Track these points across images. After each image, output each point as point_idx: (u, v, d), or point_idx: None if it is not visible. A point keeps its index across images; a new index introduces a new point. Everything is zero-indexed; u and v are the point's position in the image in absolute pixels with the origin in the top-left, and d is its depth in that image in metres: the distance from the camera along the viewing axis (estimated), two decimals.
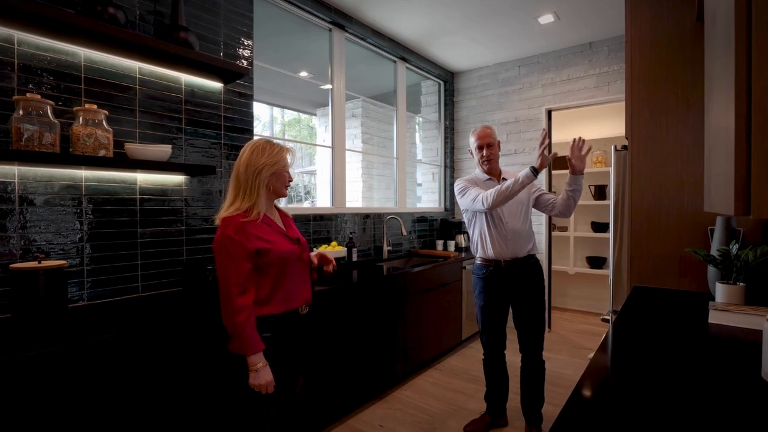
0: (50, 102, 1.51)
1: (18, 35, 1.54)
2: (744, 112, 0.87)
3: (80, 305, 1.68)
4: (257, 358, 1.32)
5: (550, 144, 2.19)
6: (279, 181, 1.43)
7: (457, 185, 2.16)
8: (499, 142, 2.17)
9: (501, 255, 2.10)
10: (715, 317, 1.40)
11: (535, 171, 1.85)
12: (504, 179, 2.15)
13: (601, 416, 0.84)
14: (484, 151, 2.11)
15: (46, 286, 1.42)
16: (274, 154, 1.40)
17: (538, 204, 2.18)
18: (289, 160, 1.45)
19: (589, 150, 1.99)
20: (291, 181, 1.48)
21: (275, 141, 1.46)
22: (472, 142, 2.16)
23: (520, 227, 2.10)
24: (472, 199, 2.04)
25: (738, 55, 0.85)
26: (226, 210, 1.37)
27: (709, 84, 1.28)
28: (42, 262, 1.44)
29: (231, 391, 1.62)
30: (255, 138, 2.05)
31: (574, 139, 1.97)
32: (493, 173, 2.17)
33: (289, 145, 1.51)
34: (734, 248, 1.60)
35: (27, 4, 1.39)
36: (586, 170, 4.61)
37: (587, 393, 0.94)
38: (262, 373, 1.32)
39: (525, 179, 1.86)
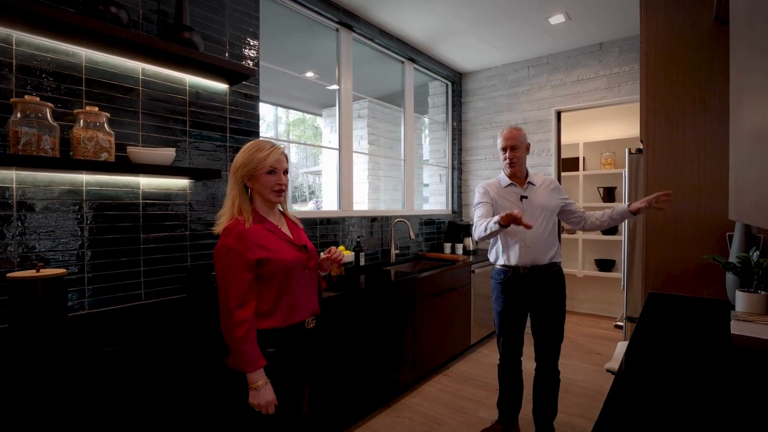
0: (49, 104, 1.46)
1: (17, 35, 1.49)
2: None
3: (81, 314, 1.63)
4: (257, 375, 1.24)
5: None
6: (259, 184, 1.32)
7: (476, 193, 2.16)
8: (528, 144, 2.12)
9: (520, 262, 2.04)
10: (737, 328, 1.35)
11: (500, 225, 1.80)
12: (530, 183, 2.10)
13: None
14: (507, 153, 2.07)
15: (44, 295, 1.37)
16: (249, 154, 1.31)
17: (564, 214, 2.13)
18: (269, 162, 1.30)
19: (663, 206, 1.86)
20: (280, 185, 1.34)
21: (271, 142, 1.38)
22: (498, 142, 2.13)
23: (541, 234, 2.02)
24: (475, 219, 2.07)
25: None
26: (223, 218, 1.32)
27: (739, 86, 1.21)
28: (41, 270, 1.40)
29: (234, 409, 1.57)
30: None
31: (667, 193, 1.82)
32: (517, 176, 2.12)
33: (283, 145, 1.42)
34: (755, 255, 1.56)
35: (26, 3, 1.34)
36: (595, 172, 4.54)
37: (618, 411, 0.89)
38: (262, 392, 1.24)
39: (493, 228, 1.84)
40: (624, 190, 2.79)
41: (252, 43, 2.28)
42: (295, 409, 1.45)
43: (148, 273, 1.86)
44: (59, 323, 1.41)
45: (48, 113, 1.44)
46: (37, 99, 1.41)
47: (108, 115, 1.61)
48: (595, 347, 3.57)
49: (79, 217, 1.65)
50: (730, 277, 1.78)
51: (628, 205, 1.92)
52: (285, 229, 1.42)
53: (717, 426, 0.81)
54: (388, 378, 2.53)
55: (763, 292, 1.51)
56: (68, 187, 1.62)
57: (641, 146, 2.35)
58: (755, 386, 0.99)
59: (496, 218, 1.81)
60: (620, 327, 2.76)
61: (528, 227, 1.71)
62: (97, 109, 1.57)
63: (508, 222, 1.75)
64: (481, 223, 1.95)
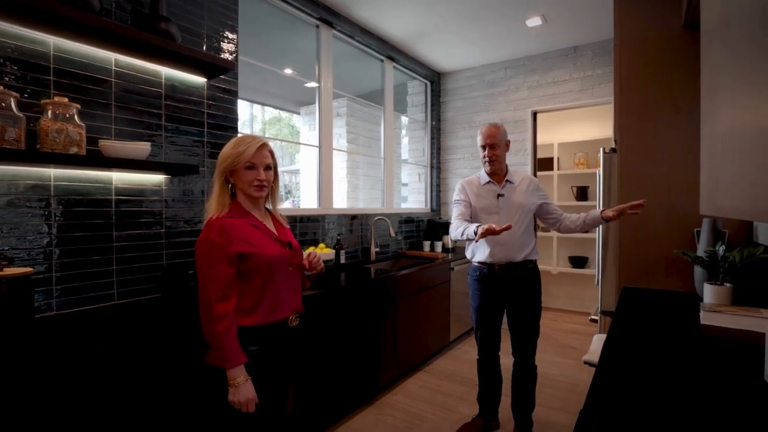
0: (14, 94, 1.37)
1: None
2: None
3: (49, 315, 1.54)
4: (237, 372, 1.21)
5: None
6: (239, 179, 1.30)
7: (455, 191, 2.18)
8: (508, 142, 2.12)
9: (494, 259, 2.05)
10: (706, 318, 1.41)
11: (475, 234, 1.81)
12: (509, 181, 2.11)
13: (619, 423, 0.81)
14: (486, 152, 2.07)
15: (9, 296, 1.29)
16: (230, 149, 1.29)
17: (541, 212, 2.13)
18: (246, 157, 1.27)
19: (637, 212, 1.87)
20: (259, 180, 1.30)
21: (256, 135, 1.36)
22: (478, 140, 2.12)
23: (515, 232, 2.03)
24: (452, 217, 2.11)
25: None
26: (207, 211, 1.32)
27: (714, 86, 1.26)
28: (5, 269, 1.31)
29: (214, 408, 1.52)
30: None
31: (641, 203, 1.84)
32: (496, 174, 2.12)
33: (269, 141, 1.39)
34: (721, 250, 1.63)
35: None
36: (569, 171, 4.66)
37: (602, 402, 0.91)
38: (242, 389, 1.21)
39: (470, 236, 1.84)
40: (598, 188, 2.87)
41: (230, 37, 2.22)
42: (279, 410, 1.41)
43: (120, 272, 1.78)
44: (25, 325, 1.32)
45: (13, 103, 1.36)
46: (1, 88, 1.33)
47: (78, 106, 1.53)
48: (570, 342, 3.66)
49: (46, 213, 1.56)
50: (698, 270, 1.85)
51: (601, 212, 1.94)
52: (270, 226, 1.39)
53: (694, 409, 0.85)
54: (370, 375, 2.51)
55: (728, 284, 1.58)
56: (34, 182, 1.53)
57: (615, 146, 2.42)
58: (725, 372, 1.04)
59: (474, 228, 1.80)
60: (595, 320, 2.83)
61: (507, 228, 1.70)
62: (66, 99, 1.48)
63: (485, 236, 1.73)
64: (458, 226, 1.96)
